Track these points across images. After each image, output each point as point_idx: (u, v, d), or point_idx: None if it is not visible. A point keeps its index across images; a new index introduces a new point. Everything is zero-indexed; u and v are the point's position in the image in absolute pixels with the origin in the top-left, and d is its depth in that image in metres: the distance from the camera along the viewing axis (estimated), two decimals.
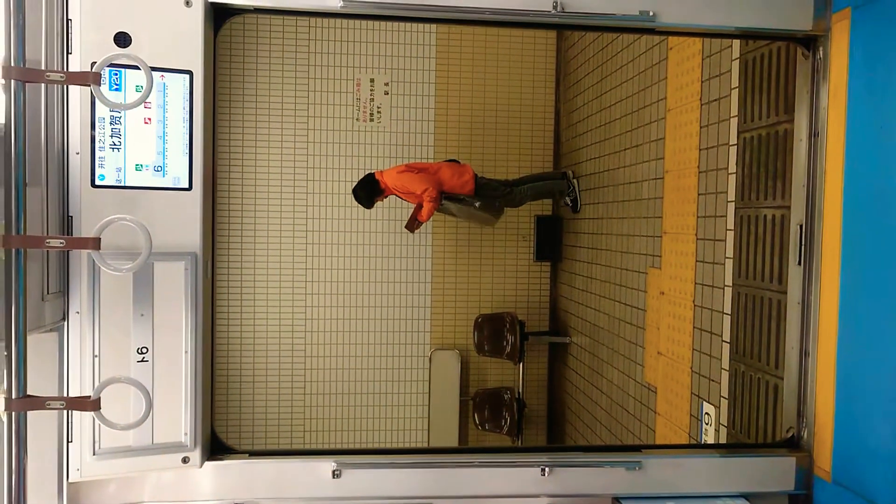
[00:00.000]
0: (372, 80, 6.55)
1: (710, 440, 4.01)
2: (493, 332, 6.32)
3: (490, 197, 5.67)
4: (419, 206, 5.51)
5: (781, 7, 2.89)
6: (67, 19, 2.45)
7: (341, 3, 2.67)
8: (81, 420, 2.52)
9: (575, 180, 6.12)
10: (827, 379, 2.88)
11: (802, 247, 3.03)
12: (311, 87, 6.47)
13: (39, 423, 2.44)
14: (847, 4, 2.80)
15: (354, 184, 5.69)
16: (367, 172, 5.73)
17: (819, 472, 2.91)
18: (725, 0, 2.86)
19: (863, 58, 2.73)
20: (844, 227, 2.79)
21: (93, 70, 2.21)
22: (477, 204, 5.59)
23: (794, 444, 3.03)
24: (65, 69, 2.45)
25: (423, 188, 5.41)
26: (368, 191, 5.58)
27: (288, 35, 6.41)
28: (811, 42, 2.97)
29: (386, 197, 5.71)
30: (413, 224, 5.65)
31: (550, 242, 6.61)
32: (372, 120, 6.56)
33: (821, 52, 2.94)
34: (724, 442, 3.86)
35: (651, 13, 2.78)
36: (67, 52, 2.47)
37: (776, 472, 2.95)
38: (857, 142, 2.75)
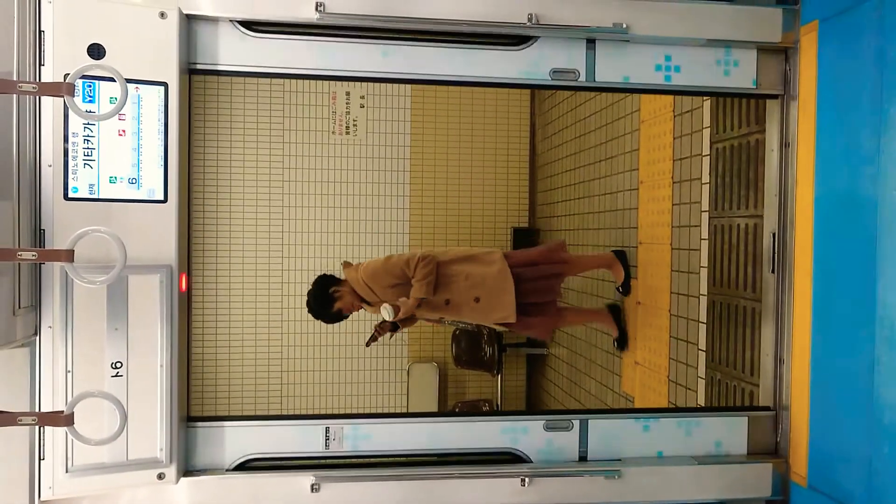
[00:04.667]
0: (347, 94, 6.54)
1: None
2: (471, 344, 6.31)
3: None
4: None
5: (751, 19, 2.94)
6: (40, 31, 2.42)
7: (317, 16, 2.67)
8: (54, 437, 2.47)
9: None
10: (802, 385, 2.91)
11: (776, 255, 3.07)
12: (287, 100, 6.45)
13: (10, 440, 2.39)
14: (815, 17, 2.86)
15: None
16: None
17: (795, 477, 2.94)
18: (696, 12, 2.92)
19: (831, 69, 2.79)
20: (816, 236, 2.84)
21: (66, 81, 2.19)
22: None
23: (771, 451, 3.06)
24: (37, 80, 2.41)
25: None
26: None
27: None
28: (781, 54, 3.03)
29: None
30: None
31: None
32: (348, 133, 6.55)
33: (790, 64, 3.00)
34: None
35: (624, 25, 2.82)
36: (40, 64, 2.44)
37: (753, 479, 2.98)
38: (826, 151, 2.80)
